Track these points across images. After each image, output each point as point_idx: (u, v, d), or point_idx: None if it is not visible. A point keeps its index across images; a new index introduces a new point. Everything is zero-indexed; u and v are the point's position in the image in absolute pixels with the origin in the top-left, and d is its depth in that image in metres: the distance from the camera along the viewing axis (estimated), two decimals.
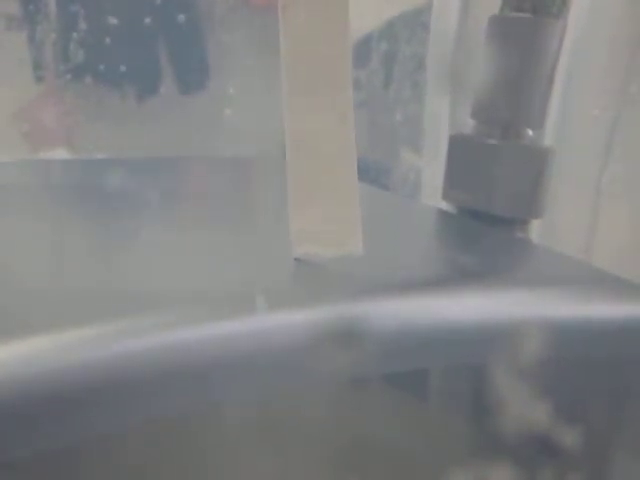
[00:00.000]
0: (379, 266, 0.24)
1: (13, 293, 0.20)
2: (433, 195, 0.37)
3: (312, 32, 0.22)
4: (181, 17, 0.53)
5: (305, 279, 0.23)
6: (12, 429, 0.17)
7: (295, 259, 0.23)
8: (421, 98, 0.50)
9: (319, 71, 0.23)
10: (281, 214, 0.24)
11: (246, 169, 0.41)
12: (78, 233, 0.27)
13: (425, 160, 0.50)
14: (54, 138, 0.53)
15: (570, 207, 0.43)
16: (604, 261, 0.39)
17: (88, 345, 0.18)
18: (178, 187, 0.35)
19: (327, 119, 0.23)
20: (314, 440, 0.22)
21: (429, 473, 0.23)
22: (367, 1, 0.49)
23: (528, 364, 0.22)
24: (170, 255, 0.24)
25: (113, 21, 0.50)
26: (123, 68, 0.51)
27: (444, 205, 0.33)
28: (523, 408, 0.22)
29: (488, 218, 0.31)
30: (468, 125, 0.32)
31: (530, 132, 0.31)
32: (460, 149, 0.32)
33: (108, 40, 0.50)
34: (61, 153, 0.52)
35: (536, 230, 0.33)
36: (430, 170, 0.49)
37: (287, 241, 0.23)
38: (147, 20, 0.52)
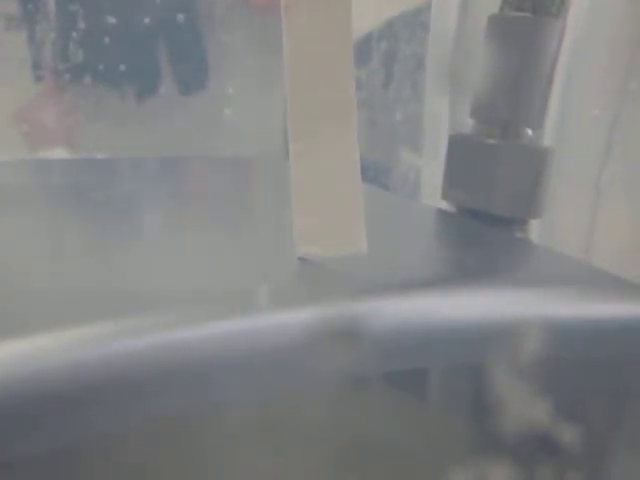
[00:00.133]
0: (378, 266, 0.24)
1: (13, 293, 0.20)
2: (433, 195, 0.37)
3: (315, 32, 0.22)
4: (181, 17, 0.53)
5: (308, 278, 0.23)
6: (12, 429, 0.17)
7: (299, 258, 0.23)
8: (421, 98, 0.50)
9: (322, 71, 0.23)
10: (282, 214, 0.24)
11: (246, 169, 0.41)
12: (78, 233, 0.27)
13: (425, 160, 0.50)
14: (54, 138, 0.53)
15: (570, 207, 0.43)
16: (604, 261, 0.39)
17: (88, 344, 0.18)
18: (178, 187, 0.35)
19: (330, 119, 0.23)
20: (314, 440, 0.22)
21: (429, 473, 0.23)
22: (367, 1, 0.49)
23: (528, 364, 0.22)
24: (170, 254, 0.24)
25: (112, 21, 0.50)
26: (123, 68, 0.51)
27: (444, 205, 0.33)
28: (523, 408, 0.22)
29: (487, 218, 0.31)
30: (467, 125, 0.32)
31: (529, 132, 0.31)
32: (459, 149, 0.32)
33: (107, 40, 0.50)
34: (61, 153, 0.52)
35: (535, 230, 0.33)
36: (430, 170, 0.49)
37: (289, 240, 0.23)
38: (146, 20, 0.52)
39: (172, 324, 0.19)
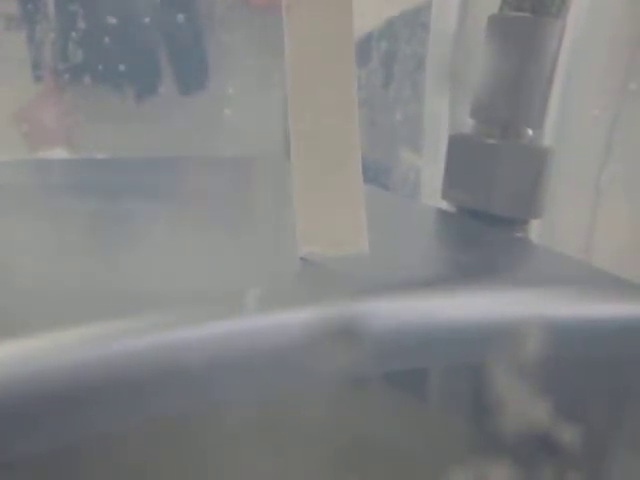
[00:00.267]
0: (378, 266, 0.24)
1: (13, 293, 0.20)
2: (433, 195, 0.37)
3: (316, 32, 0.22)
4: (181, 17, 0.53)
5: (309, 278, 0.23)
6: (12, 429, 0.17)
7: (301, 258, 0.23)
8: (421, 98, 0.50)
9: (323, 71, 0.23)
10: (282, 214, 0.24)
11: (246, 169, 0.41)
12: (77, 233, 0.27)
13: (425, 160, 0.50)
14: (53, 138, 0.53)
15: (570, 207, 0.43)
16: (604, 261, 0.39)
17: (88, 344, 0.18)
18: (178, 187, 0.35)
19: (332, 118, 0.23)
20: (314, 440, 0.22)
21: (429, 473, 0.23)
22: (367, 1, 0.49)
23: (528, 364, 0.22)
24: (171, 254, 0.24)
25: (112, 21, 0.50)
26: (122, 68, 0.51)
27: (444, 205, 0.33)
28: (523, 408, 0.22)
29: (487, 218, 0.31)
30: (467, 125, 0.32)
31: (530, 132, 0.31)
32: (459, 149, 0.32)
33: (107, 40, 0.50)
34: (60, 153, 0.52)
35: (535, 230, 0.33)
36: (430, 170, 0.49)
37: (290, 240, 0.23)
38: (146, 20, 0.52)
39: (172, 324, 0.19)
